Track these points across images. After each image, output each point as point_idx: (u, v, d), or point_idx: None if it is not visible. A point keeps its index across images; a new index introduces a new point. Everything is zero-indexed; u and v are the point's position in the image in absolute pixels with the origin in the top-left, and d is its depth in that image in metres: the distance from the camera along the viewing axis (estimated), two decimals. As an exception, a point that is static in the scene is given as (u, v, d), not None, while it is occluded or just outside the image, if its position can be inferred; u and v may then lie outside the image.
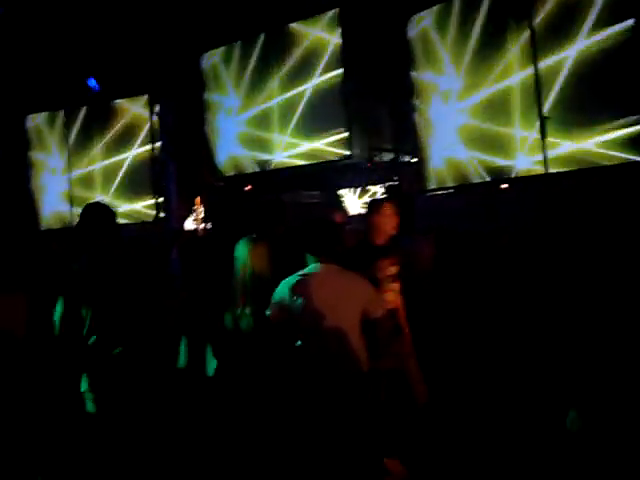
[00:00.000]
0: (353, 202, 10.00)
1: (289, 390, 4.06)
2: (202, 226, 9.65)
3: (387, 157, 9.93)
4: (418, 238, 5.70)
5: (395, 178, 9.65)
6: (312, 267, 3.96)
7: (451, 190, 8.81)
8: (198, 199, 9.79)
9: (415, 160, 9.39)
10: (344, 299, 3.82)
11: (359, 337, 3.85)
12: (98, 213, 4.18)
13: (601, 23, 7.16)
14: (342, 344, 3.78)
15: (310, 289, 3.83)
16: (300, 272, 3.96)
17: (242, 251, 4.78)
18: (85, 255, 4.07)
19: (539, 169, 7.68)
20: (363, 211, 9.34)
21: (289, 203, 8.15)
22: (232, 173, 10.80)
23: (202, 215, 9.73)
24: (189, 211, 10.19)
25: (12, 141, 12.35)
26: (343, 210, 9.09)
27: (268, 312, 4.02)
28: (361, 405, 3.79)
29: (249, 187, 10.01)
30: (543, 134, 7.53)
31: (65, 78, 11.38)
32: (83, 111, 12.31)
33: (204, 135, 10.97)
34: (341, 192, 9.85)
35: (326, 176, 10.18)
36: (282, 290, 3.97)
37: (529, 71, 7.81)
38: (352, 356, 3.80)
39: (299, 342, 3.95)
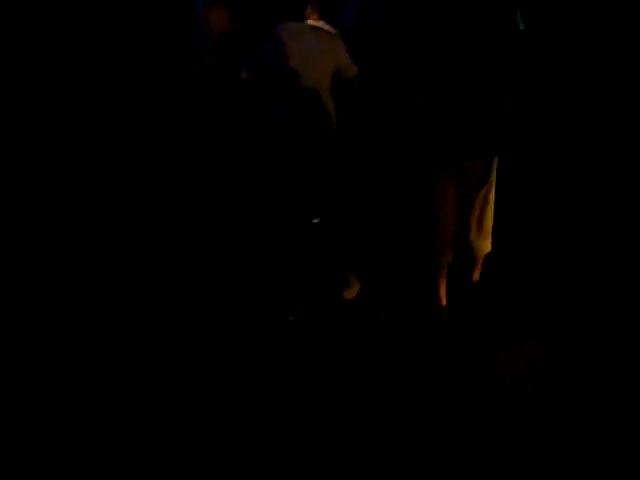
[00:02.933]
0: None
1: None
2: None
3: None
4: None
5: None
6: (283, 25, 3.86)
7: None
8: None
9: None
10: (315, 56, 3.79)
11: (330, 96, 3.87)
12: None
13: None
14: (313, 100, 3.81)
15: (281, 47, 3.80)
16: (271, 30, 3.87)
17: (202, 14, 4.61)
18: None
19: None
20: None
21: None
22: None
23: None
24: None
25: None
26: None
27: (240, 72, 3.96)
28: (330, 162, 3.90)
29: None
30: None
31: None
32: None
33: None
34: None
35: None
36: (255, 49, 3.91)
37: None
38: (324, 111, 3.85)
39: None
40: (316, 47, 3.82)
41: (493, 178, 3.73)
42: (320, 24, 3.95)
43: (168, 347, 3.70)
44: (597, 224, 4.43)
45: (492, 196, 3.78)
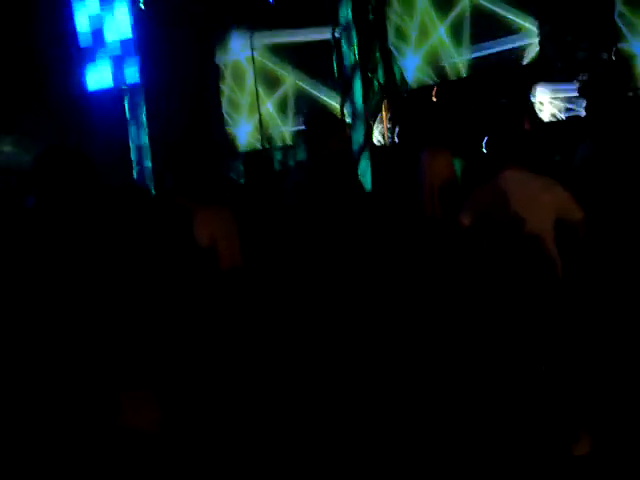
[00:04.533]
0: (544, 106, 9.53)
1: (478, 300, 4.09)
2: (389, 138, 9.67)
3: (582, 55, 9.29)
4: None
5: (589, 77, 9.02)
6: (501, 173, 3.89)
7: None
8: (384, 109, 9.76)
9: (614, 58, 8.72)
10: (536, 204, 3.74)
11: (553, 243, 3.77)
12: None
13: None
14: (534, 250, 3.74)
15: (501, 195, 3.79)
16: (490, 178, 3.91)
17: (425, 160, 4.82)
18: None
19: None
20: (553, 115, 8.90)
21: (476, 110, 7.97)
22: (416, 85, 10.68)
23: (389, 126, 9.72)
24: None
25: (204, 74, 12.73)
26: (532, 114, 8.71)
27: (459, 219, 4.01)
28: (557, 312, 3.75)
29: (434, 95, 9.86)
30: None
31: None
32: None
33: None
34: (533, 96, 9.43)
35: (513, 79, 9.77)
36: (473, 197, 3.97)
37: None
38: (546, 262, 3.75)
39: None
40: (537, 192, 3.77)
41: None
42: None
43: None
44: None
45: None
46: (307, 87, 12.38)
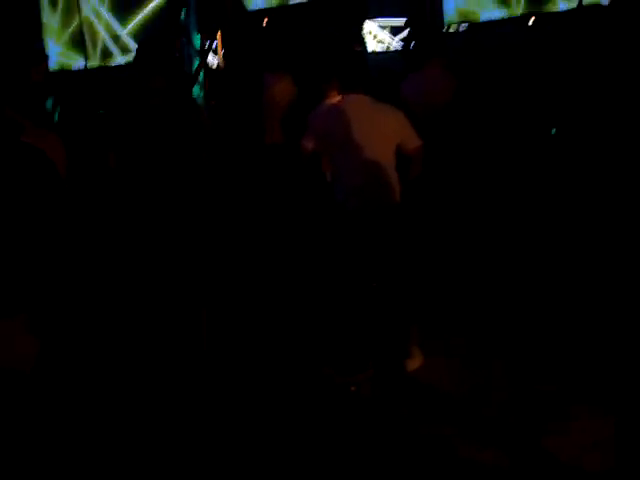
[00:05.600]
0: (372, 37, 9.68)
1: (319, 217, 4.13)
2: (223, 60, 9.41)
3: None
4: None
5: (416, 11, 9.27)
6: (343, 97, 3.88)
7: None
8: (219, 34, 9.44)
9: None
10: (378, 129, 3.79)
11: (393, 168, 3.86)
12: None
13: None
14: (377, 173, 3.81)
15: (343, 119, 3.80)
16: (331, 102, 3.89)
17: (267, 85, 4.75)
18: None
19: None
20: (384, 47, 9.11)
21: (308, 37, 7.96)
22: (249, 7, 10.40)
23: (222, 49, 9.45)
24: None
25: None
26: (363, 43, 8.83)
27: (302, 144, 3.98)
28: (395, 236, 3.86)
29: (265, 21, 9.68)
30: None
31: None
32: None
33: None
34: (363, 26, 9.54)
35: (345, 9, 9.80)
36: (315, 120, 3.93)
37: None
38: (386, 186, 3.83)
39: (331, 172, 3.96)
40: (379, 118, 3.82)
41: None
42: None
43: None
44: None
45: None
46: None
